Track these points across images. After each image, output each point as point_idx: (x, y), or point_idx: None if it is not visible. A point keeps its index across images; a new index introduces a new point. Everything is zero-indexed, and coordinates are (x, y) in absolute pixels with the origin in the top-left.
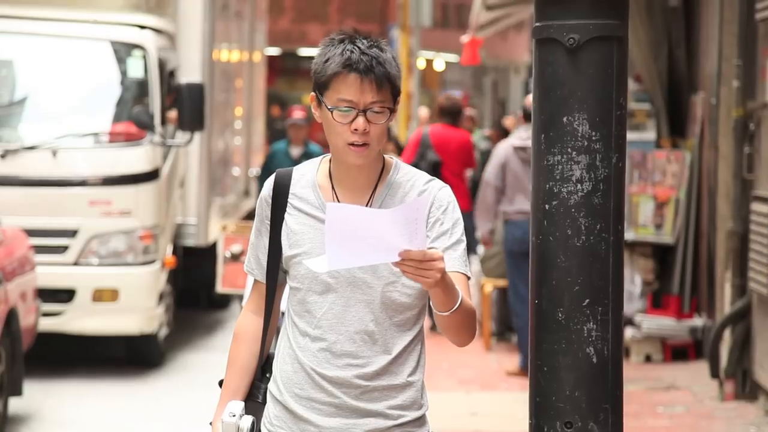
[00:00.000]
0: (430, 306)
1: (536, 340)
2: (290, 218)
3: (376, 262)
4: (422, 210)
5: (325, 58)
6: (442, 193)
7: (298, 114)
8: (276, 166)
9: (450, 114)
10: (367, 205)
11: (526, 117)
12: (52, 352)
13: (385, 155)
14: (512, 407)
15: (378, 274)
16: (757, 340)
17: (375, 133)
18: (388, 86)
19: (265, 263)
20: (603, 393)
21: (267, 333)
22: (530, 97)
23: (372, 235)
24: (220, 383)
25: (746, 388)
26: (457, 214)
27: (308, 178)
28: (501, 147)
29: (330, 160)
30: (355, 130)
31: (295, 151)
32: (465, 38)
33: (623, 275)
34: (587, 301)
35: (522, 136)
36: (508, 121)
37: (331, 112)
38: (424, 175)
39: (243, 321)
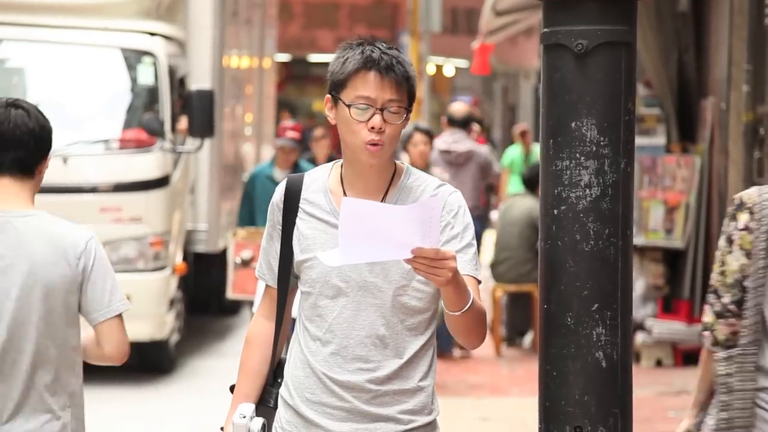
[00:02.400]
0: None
1: (545, 344)
2: (302, 223)
3: (388, 258)
4: (437, 209)
5: (343, 58)
6: (452, 197)
7: (290, 134)
8: (257, 195)
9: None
10: None
11: (450, 122)
12: None
13: (396, 160)
14: (522, 412)
15: (389, 278)
16: None
17: (390, 133)
18: (406, 87)
19: (276, 268)
20: (612, 397)
21: (279, 338)
22: (454, 105)
23: (386, 231)
24: (232, 388)
25: None
26: (468, 218)
27: (320, 183)
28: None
29: (341, 165)
30: (372, 128)
31: (281, 176)
32: (475, 44)
33: (632, 280)
34: (596, 305)
35: (447, 140)
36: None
37: (349, 108)
38: (435, 180)
39: (255, 326)
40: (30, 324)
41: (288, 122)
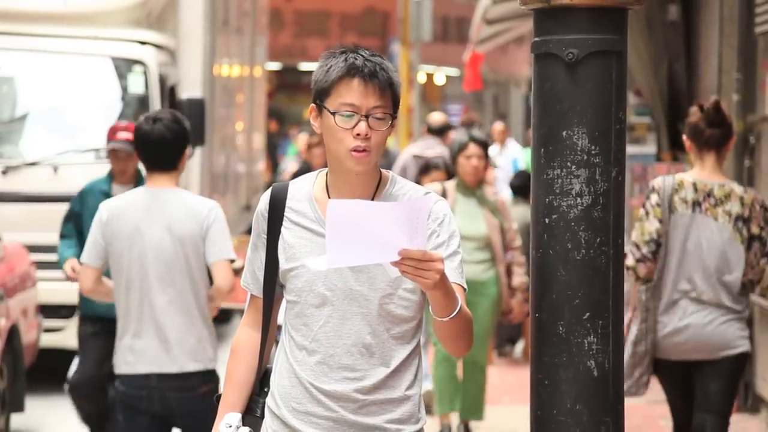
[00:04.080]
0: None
1: (537, 353)
2: (287, 232)
3: (375, 260)
4: (424, 210)
5: (327, 66)
6: (438, 206)
7: (123, 135)
8: (88, 212)
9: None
10: None
11: (429, 131)
12: (54, 368)
13: (382, 169)
14: (514, 421)
15: (375, 287)
16: (759, 353)
17: (376, 140)
18: (390, 93)
19: (261, 278)
20: (604, 406)
21: (264, 347)
22: (433, 115)
23: (373, 230)
24: (218, 399)
25: (749, 401)
26: (453, 226)
27: (305, 191)
28: (403, 154)
29: (327, 174)
30: (357, 134)
31: (121, 192)
32: (466, 56)
33: (624, 288)
34: (588, 314)
35: (420, 146)
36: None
37: (334, 116)
38: (421, 189)
39: (240, 336)
40: (172, 266)
41: (120, 122)
